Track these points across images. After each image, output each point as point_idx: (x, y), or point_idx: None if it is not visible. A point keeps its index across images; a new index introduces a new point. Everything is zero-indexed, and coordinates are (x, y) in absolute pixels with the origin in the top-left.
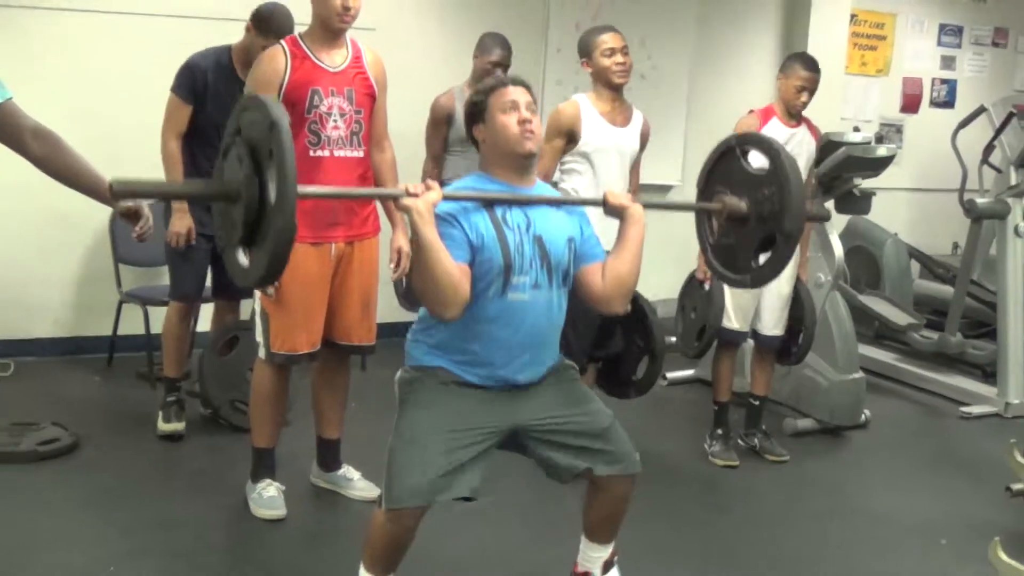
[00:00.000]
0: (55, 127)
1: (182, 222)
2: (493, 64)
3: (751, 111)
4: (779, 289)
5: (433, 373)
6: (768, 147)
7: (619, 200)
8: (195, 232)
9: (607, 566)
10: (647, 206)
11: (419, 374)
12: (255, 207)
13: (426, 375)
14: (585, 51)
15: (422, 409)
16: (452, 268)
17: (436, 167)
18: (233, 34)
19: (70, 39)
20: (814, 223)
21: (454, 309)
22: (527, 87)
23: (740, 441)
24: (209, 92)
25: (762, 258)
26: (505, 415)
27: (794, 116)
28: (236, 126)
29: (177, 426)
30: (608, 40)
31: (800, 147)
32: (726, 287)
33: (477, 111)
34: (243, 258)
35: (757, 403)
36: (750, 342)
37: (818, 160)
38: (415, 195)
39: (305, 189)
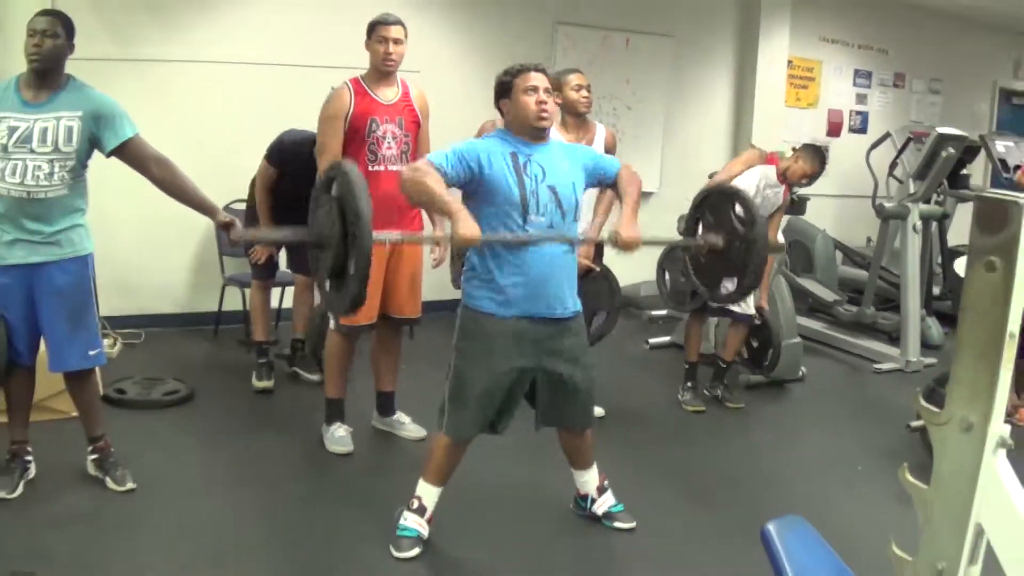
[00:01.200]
0: (174, 154)
1: (263, 250)
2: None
3: (765, 151)
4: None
5: (480, 320)
6: (751, 215)
7: (630, 234)
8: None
9: (600, 490)
10: (647, 243)
11: (471, 322)
12: (340, 263)
13: (476, 323)
14: (556, 87)
15: (473, 356)
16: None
17: None
18: (320, 79)
19: (187, 84)
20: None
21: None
22: (546, 73)
23: (706, 392)
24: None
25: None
26: (532, 356)
27: (785, 181)
28: (326, 184)
29: (268, 383)
30: (575, 79)
31: (773, 196)
32: None
33: (504, 88)
34: (328, 286)
35: (724, 365)
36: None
37: None
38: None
39: (378, 236)
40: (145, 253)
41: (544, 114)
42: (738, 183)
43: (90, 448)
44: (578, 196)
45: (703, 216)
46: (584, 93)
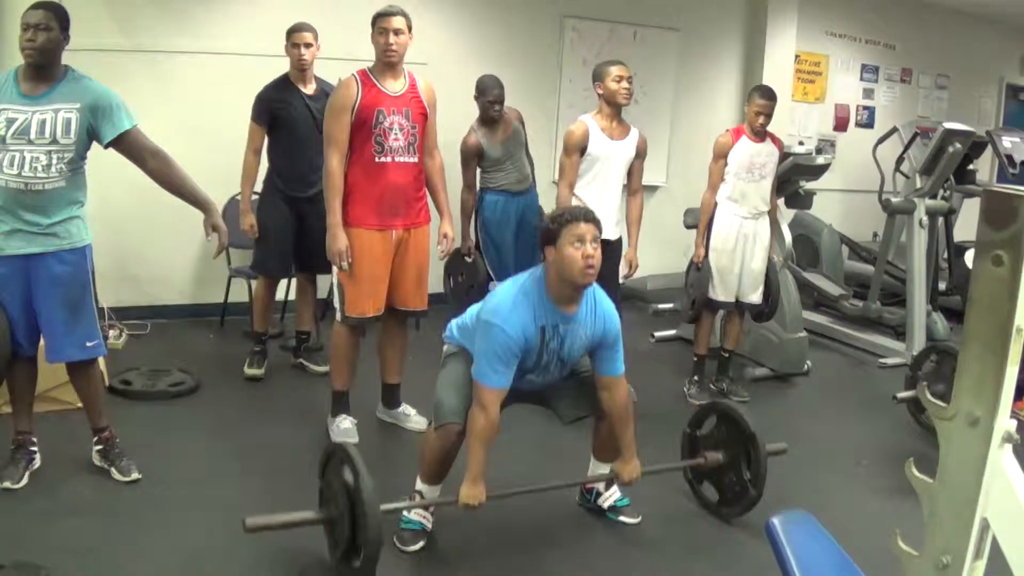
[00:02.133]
0: (179, 145)
1: (244, 220)
2: (491, 102)
3: (727, 130)
4: (754, 265)
5: (469, 354)
6: (757, 460)
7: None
8: (257, 225)
9: (608, 483)
10: (646, 473)
11: (458, 350)
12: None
13: (464, 352)
14: (598, 77)
15: (460, 364)
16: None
17: (471, 193)
18: (329, 71)
19: (194, 76)
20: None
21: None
22: (596, 223)
23: (712, 385)
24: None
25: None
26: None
27: (759, 133)
28: (326, 463)
29: (257, 371)
30: (618, 70)
31: (768, 157)
32: (714, 267)
33: (550, 236)
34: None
35: (727, 355)
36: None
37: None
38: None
39: (387, 508)
40: (151, 244)
41: (591, 270)
42: (730, 170)
43: (95, 439)
44: (578, 361)
45: (694, 435)
46: (625, 85)
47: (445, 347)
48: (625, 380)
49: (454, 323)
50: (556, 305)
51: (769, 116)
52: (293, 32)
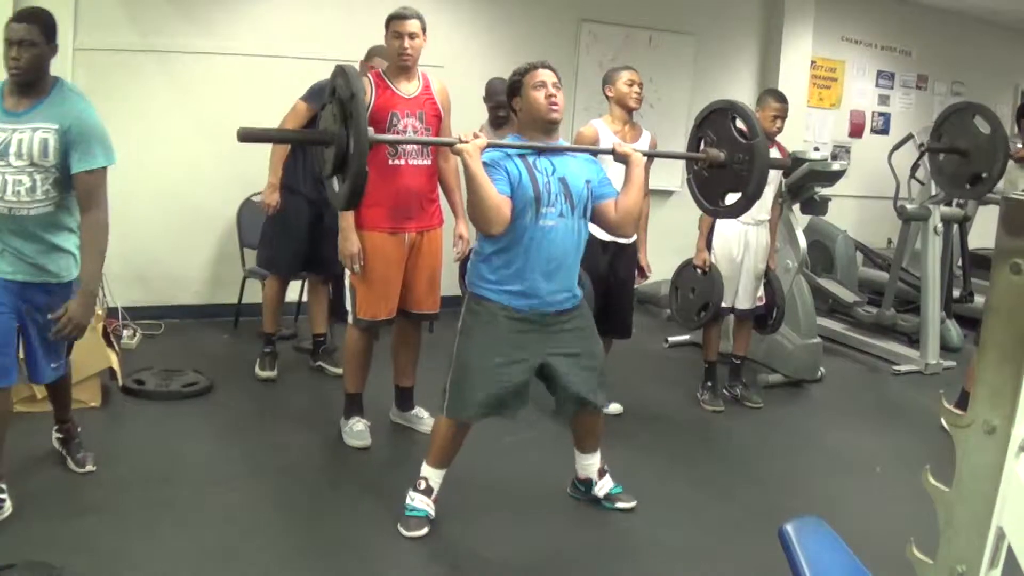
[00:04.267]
0: (197, 146)
1: (271, 195)
2: (493, 107)
3: None
4: (754, 270)
5: (487, 306)
6: (751, 126)
7: (624, 149)
8: (275, 224)
9: (601, 473)
10: (646, 154)
11: (477, 307)
12: (342, 152)
13: (482, 308)
14: (609, 81)
15: (476, 341)
16: (495, 194)
17: None
18: None
19: (210, 76)
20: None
21: (498, 227)
22: (554, 70)
23: (725, 391)
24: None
25: (729, 198)
26: (538, 348)
27: (769, 139)
28: (332, 87)
29: (270, 373)
30: (630, 75)
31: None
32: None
33: (515, 88)
34: (336, 184)
35: (738, 361)
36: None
37: (787, 172)
38: (466, 142)
39: (375, 137)
40: (166, 244)
41: (554, 107)
42: None
43: (56, 427)
44: (587, 193)
45: (705, 135)
46: (636, 89)
47: (465, 303)
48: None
49: (472, 260)
50: (534, 139)
51: (784, 119)
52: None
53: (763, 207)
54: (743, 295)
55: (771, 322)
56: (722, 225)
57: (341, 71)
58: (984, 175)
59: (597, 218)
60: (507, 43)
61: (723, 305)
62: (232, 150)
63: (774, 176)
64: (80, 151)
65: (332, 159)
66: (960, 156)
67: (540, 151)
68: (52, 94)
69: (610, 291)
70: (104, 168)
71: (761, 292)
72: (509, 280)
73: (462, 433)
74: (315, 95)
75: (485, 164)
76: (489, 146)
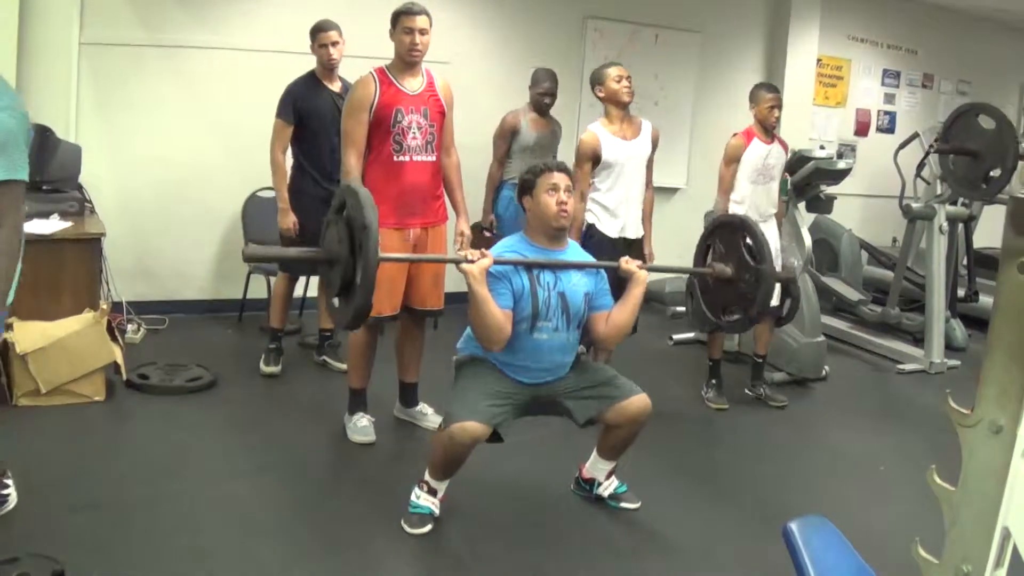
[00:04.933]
0: (202, 142)
1: (285, 219)
2: (542, 94)
3: (735, 134)
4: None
5: (480, 360)
6: (759, 250)
7: (630, 267)
8: (298, 225)
9: (608, 474)
10: (652, 269)
11: (469, 358)
12: (350, 277)
13: (475, 361)
14: (598, 81)
15: (471, 378)
16: (498, 314)
17: (500, 168)
18: (348, 68)
19: (216, 72)
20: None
21: (499, 344)
22: (569, 173)
23: (748, 391)
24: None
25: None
26: (534, 396)
27: (768, 134)
28: (340, 204)
29: (274, 369)
30: (615, 71)
31: (777, 158)
32: None
33: (527, 186)
34: (337, 303)
35: (760, 360)
36: None
37: (790, 169)
38: (472, 262)
39: (384, 256)
40: (170, 239)
41: (563, 214)
42: (742, 174)
43: None
44: (584, 308)
45: (714, 244)
46: (625, 83)
47: (455, 358)
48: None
49: (465, 334)
50: (540, 246)
51: (780, 108)
52: (318, 32)
53: (771, 201)
54: None
55: (784, 315)
56: None
57: (351, 191)
58: (998, 171)
59: (587, 326)
60: (512, 40)
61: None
62: (237, 145)
63: (780, 168)
64: None
65: (339, 282)
66: (971, 157)
67: (544, 266)
68: None
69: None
70: (15, 181)
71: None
72: (504, 365)
73: (463, 444)
74: (284, 107)
75: (491, 275)
76: (496, 262)
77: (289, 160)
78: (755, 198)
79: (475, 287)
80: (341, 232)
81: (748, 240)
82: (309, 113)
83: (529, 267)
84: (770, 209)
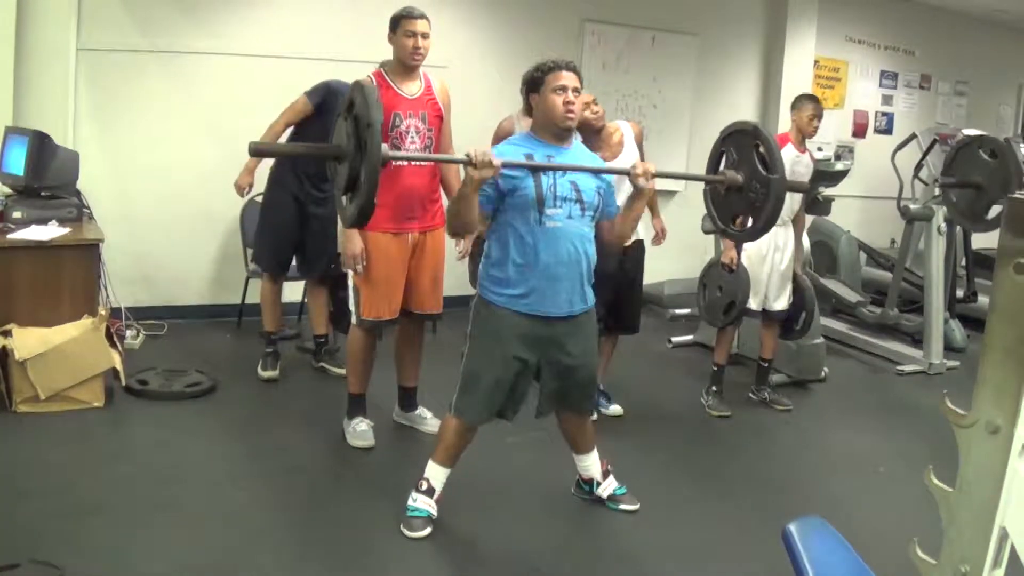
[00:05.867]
0: (200, 147)
1: (244, 177)
2: None
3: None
4: (784, 269)
5: (493, 311)
6: (772, 159)
7: (640, 171)
8: (263, 219)
9: (604, 474)
10: (662, 176)
11: (484, 311)
12: (355, 174)
13: (489, 312)
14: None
15: (483, 349)
16: (476, 216)
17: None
18: (345, 73)
19: (214, 77)
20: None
21: (471, 234)
22: (577, 72)
23: (751, 395)
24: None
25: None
26: (539, 350)
27: (802, 143)
28: (349, 101)
29: (272, 373)
30: (559, 82)
31: (806, 168)
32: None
33: (534, 83)
34: (344, 201)
35: (766, 364)
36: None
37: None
38: (475, 165)
39: (388, 155)
40: (169, 245)
41: (570, 114)
42: None
43: None
44: (598, 200)
45: (727, 152)
46: (593, 108)
47: (474, 304)
48: None
49: (483, 263)
50: (546, 141)
51: (821, 118)
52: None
53: (791, 207)
54: (775, 295)
55: (798, 327)
56: None
57: (360, 88)
58: (1001, 203)
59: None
60: (509, 43)
61: (752, 307)
62: (235, 150)
63: (807, 178)
64: None
65: (345, 178)
66: (975, 190)
67: (548, 162)
68: None
69: (619, 288)
70: None
71: (798, 268)
72: (514, 283)
73: (470, 433)
74: (317, 92)
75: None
76: (504, 165)
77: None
78: None
79: (469, 194)
80: (350, 127)
81: (761, 149)
82: (331, 110)
83: (529, 157)
84: (788, 213)
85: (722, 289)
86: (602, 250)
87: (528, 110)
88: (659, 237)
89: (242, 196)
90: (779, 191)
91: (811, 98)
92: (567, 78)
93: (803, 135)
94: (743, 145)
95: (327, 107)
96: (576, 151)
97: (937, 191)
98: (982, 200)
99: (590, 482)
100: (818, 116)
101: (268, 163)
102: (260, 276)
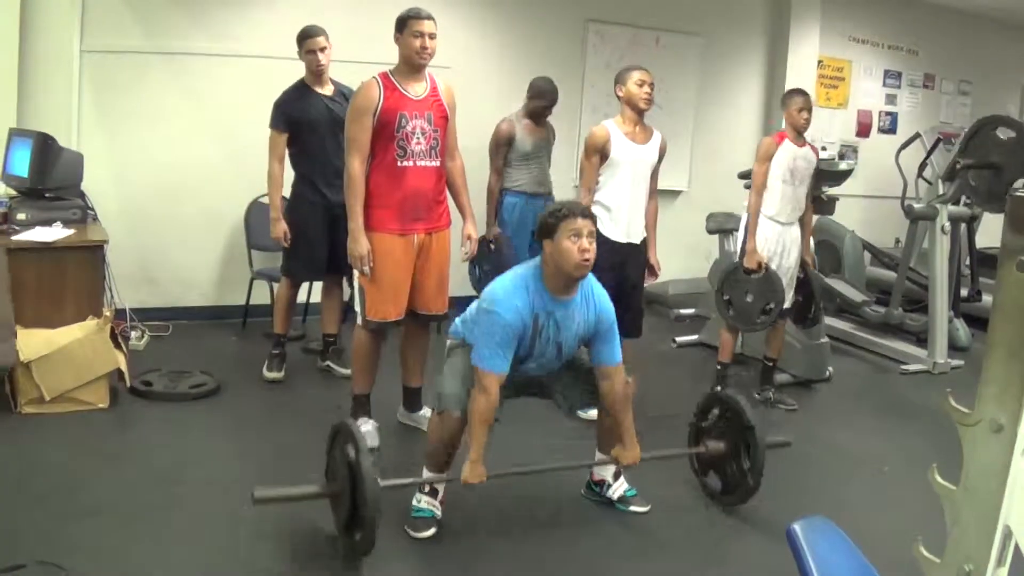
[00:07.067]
0: (204, 148)
1: (276, 229)
2: (545, 106)
3: (768, 136)
4: (790, 270)
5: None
6: (755, 451)
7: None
8: (291, 233)
9: (616, 475)
10: (645, 458)
11: (460, 342)
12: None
13: (467, 347)
14: (620, 81)
15: (461, 355)
16: (488, 418)
17: (498, 179)
18: (349, 74)
19: (217, 78)
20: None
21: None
22: (592, 218)
23: (756, 395)
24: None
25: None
26: (527, 379)
27: (800, 136)
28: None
29: (277, 375)
30: (640, 75)
31: (808, 163)
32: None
33: (548, 229)
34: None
35: (771, 363)
36: None
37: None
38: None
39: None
40: (173, 246)
41: (585, 263)
42: (774, 174)
43: None
44: (577, 346)
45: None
46: (646, 89)
47: (448, 341)
48: (623, 369)
49: (459, 319)
50: (552, 294)
51: (811, 110)
52: (305, 38)
53: (799, 203)
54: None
55: (810, 316)
56: (761, 224)
57: (347, 432)
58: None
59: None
60: (513, 44)
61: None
62: (239, 151)
63: (810, 173)
64: None
65: (344, 514)
66: (993, 170)
67: (548, 321)
68: None
69: (621, 292)
70: None
71: (808, 255)
72: None
73: (452, 431)
74: (274, 118)
75: (494, 339)
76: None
77: (291, 170)
78: (786, 198)
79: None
80: (343, 472)
81: (736, 413)
82: (301, 120)
83: (536, 320)
84: (798, 211)
85: (750, 294)
86: (598, 264)
87: (527, 112)
88: (652, 272)
89: (286, 242)
90: (761, 449)
91: (798, 91)
92: (582, 224)
93: (796, 129)
94: (732, 421)
95: (290, 119)
96: (576, 305)
97: (941, 190)
98: (1001, 180)
99: (600, 484)
100: (807, 108)
101: (289, 178)
102: (266, 278)
